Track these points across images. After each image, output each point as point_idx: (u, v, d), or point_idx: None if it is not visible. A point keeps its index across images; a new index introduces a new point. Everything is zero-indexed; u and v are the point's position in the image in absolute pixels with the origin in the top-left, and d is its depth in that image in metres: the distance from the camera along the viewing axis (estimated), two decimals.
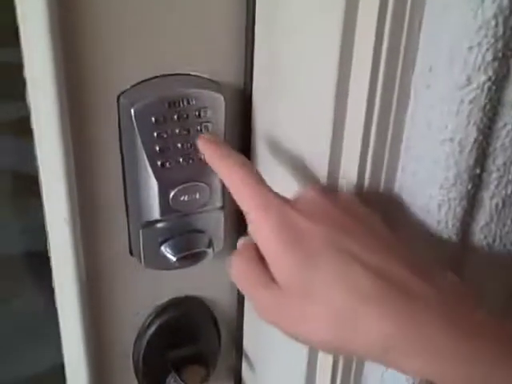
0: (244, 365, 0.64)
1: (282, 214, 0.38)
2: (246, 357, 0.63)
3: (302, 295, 0.36)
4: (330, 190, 0.43)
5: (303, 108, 0.45)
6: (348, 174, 0.43)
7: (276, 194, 0.39)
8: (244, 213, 0.39)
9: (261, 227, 0.38)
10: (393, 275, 0.35)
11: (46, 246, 0.50)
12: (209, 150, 0.44)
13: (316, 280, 0.35)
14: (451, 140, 0.38)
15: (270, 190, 0.39)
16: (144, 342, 0.57)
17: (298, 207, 0.38)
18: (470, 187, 0.40)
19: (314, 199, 0.40)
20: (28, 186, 0.54)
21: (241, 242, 0.41)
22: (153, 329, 0.57)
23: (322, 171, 0.44)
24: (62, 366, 0.56)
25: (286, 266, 0.36)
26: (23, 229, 0.61)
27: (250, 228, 0.39)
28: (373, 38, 0.38)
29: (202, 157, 0.48)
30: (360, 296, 0.34)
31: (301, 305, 0.36)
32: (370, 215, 0.40)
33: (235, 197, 0.40)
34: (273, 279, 0.37)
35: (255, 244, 0.39)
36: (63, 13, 0.42)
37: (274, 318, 0.38)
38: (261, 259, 0.38)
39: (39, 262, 0.53)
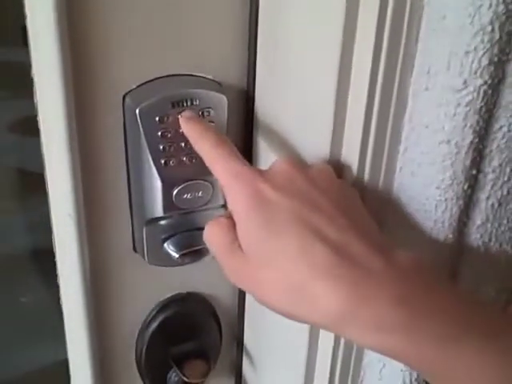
0: (245, 360, 0.65)
1: (251, 182, 0.39)
2: (247, 352, 0.64)
3: (261, 262, 0.38)
4: (302, 162, 0.44)
5: (305, 109, 0.46)
6: (347, 173, 0.44)
7: (248, 165, 0.41)
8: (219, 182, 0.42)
9: (230, 193, 0.40)
10: (351, 251, 0.36)
11: (51, 242, 0.51)
12: (187, 127, 0.46)
13: (276, 250, 0.37)
14: (448, 142, 0.39)
15: (242, 161, 0.41)
16: (146, 337, 0.58)
17: (267, 178, 0.40)
18: (466, 188, 0.41)
19: (285, 171, 0.41)
20: (33, 182, 0.55)
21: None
22: (155, 324, 0.58)
23: None
24: (65, 361, 0.56)
25: (249, 232, 0.39)
26: (28, 225, 0.62)
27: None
28: (372, 42, 0.39)
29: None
30: (315, 269, 0.35)
31: (259, 271, 0.38)
32: (341, 188, 0.41)
33: (210, 167, 0.42)
34: (239, 245, 0.39)
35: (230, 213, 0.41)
36: (70, 13, 0.43)
37: (238, 280, 0.40)
38: (233, 227, 0.40)
39: (44, 258, 0.54)
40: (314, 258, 0.36)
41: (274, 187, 0.39)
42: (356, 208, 0.41)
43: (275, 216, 0.38)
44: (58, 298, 0.53)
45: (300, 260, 0.36)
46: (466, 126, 0.39)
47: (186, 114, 0.47)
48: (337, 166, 0.44)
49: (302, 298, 0.36)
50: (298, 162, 0.42)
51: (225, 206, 0.53)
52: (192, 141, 0.45)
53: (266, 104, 0.51)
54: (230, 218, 0.41)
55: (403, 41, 0.40)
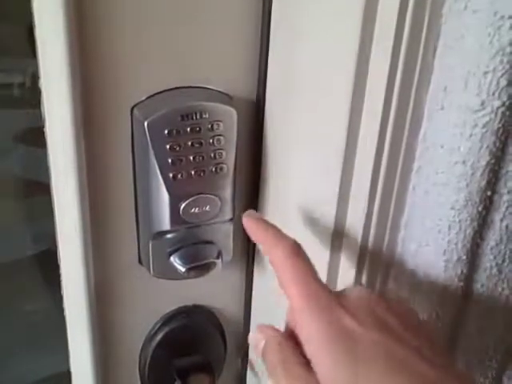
0: (249, 373, 0.64)
1: (327, 309, 0.36)
2: (251, 366, 0.63)
3: None
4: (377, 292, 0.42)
5: (316, 123, 0.46)
6: (359, 190, 0.43)
7: (323, 285, 0.37)
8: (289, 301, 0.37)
9: (304, 320, 0.36)
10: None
11: (55, 250, 0.50)
12: (256, 234, 0.42)
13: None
14: (463, 162, 0.39)
15: (316, 279, 0.37)
16: (150, 349, 0.57)
17: (347, 304, 0.36)
18: (480, 209, 0.40)
19: (365, 298, 0.37)
20: (40, 193, 0.55)
21: (261, 333, 0.39)
22: (159, 337, 0.57)
23: (333, 185, 0.45)
24: (68, 373, 0.56)
25: (333, 372, 0.34)
26: (34, 236, 0.61)
27: (291, 314, 0.38)
28: (389, 58, 0.39)
29: (213, 169, 0.48)
30: None
31: None
32: (424, 327, 0.38)
33: (281, 286, 0.38)
34: (312, 380, 0.35)
35: (279, 332, 0.38)
36: (80, 24, 0.42)
37: None
38: (296, 353, 0.36)
39: (49, 269, 0.53)
40: None
41: (357, 318, 0.35)
42: (433, 337, 0.37)
43: (364, 352, 0.34)
44: (61, 306, 0.53)
45: None
46: (482, 147, 0.38)
47: (250, 215, 0.43)
48: (349, 181, 0.44)
49: None
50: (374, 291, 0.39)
51: (232, 219, 0.53)
52: (265, 245, 0.40)
53: (276, 118, 0.50)
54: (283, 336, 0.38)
55: (420, 57, 0.39)
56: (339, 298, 0.37)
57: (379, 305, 0.37)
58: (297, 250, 0.39)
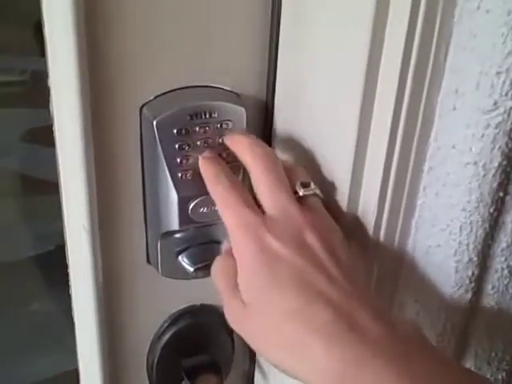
0: (257, 373, 0.64)
1: (257, 233, 0.39)
2: (259, 365, 0.63)
3: (260, 315, 0.38)
4: (314, 207, 0.43)
5: (326, 123, 0.45)
6: (369, 192, 0.43)
7: (257, 213, 0.41)
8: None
9: (236, 242, 0.41)
10: (352, 315, 0.35)
11: (64, 251, 0.50)
12: (203, 167, 0.46)
13: (275, 306, 0.37)
14: (475, 163, 0.38)
15: (252, 208, 0.41)
16: (158, 349, 0.57)
17: (276, 229, 0.39)
18: (492, 210, 0.40)
19: (295, 223, 0.40)
20: (48, 192, 0.55)
21: (225, 243, 0.44)
22: (167, 336, 0.57)
23: (343, 187, 0.44)
24: (76, 372, 0.56)
25: (250, 284, 0.39)
26: (42, 234, 0.61)
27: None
28: (400, 58, 0.38)
29: None
30: (313, 330, 0.35)
31: (256, 323, 0.38)
32: (347, 252, 0.41)
33: (220, 212, 0.43)
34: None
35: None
36: (89, 23, 0.42)
37: (235, 327, 0.41)
38: (235, 270, 0.41)
39: (57, 268, 0.53)
40: (315, 320, 0.35)
41: (281, 240, 0.39)
42: (358, 273, 0.40)
43: (279, 271, 0.38)
44: (69, 306, 0.53)
45: (301, 320, 0.36)
46: (494, 147, 0.38)
47: (206, 154, 0.47)
48: (359, 182, 0.43)
49: (298, 356, 0.36)
50: (309, 215, 0.41)
51: None
52: (206, 182, 0.45)
53: (285, 117, 0.50)
54: (232, 255, 0.41)
55: (432, 57, 0.39)
56: (272, 222, 0.40)
57: (308, 227, 0.40)
58: (238, 183, 0.43)
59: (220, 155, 0.47)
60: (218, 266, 0.43)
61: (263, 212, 0.41)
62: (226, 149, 0.48)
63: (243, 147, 0.44)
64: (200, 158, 0.46)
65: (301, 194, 0.43)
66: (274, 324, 0.37)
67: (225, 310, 0.42)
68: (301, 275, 0.37)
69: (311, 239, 0.39)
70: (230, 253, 0.42)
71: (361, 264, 0.42)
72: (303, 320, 0.36)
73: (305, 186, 0.43)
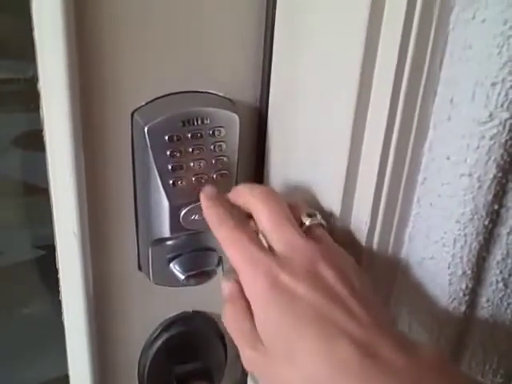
0: (249, 381, 0.63)
1: (269, 269, 0.38)
2: (252, 374, 0.62)
3: (282, 358, 0.36)
4: (321, 237, 0.42)
5: (319, 130, 0.45)
6: (362, 200, 0.42)
7: (266, 250, 0.39)
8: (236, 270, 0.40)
9: (247, 280, 0.39)
10: (374, 348, 0.34)
11: (55, 257, 0.50)
12: (207, 210, 0.44)
13: (299, 347, 0.35)
14: (470, 175, 0.38)
15: (260, 246, 0.39)
16: (150, 356, 0.56)
17: (287, 265, 0.38)
18: (487, 222, 0.39)
19: (307, 258, 0.38)
20: (36, 194, 0.54)
21: (227, 284, 0.42)
22: (159, 343, 0.56)
23: (336, 195, 0.44)
24: (66, 378, 0.55)
25: (268, 324, 0.37)
26: (33, 240, 0.61)
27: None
28: (394, 67, 0.38)
29: (214, 176, 0.48)
30: (340, 369, 0.34)
31: (279, 367, 0.36)
32: (362, 279, 0.39)
33: (225, 252, 0.40)
34: (259, 336, 0.38)
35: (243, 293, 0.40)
36: (79, 28, 0.41)
37: (257, 372, 0.39)
38: (250, 311, 0.39)
39: (48, 273, 0.52)
40: (338, 358, 0.34)
41: (295, 275, 0.37)
42: (374, 299, 0.38)
43: (296, 309, 0.36)
44: (59, 310, 0.52)
45: (323, 359, 0.34)
46: (489, 159, 0.37)
47: (207, 192, 0.45)
48: (352, 190, 0.43)
49: None
50: (318, 246, 0.40)
51: None
52: (210, 223, 0.43)
53: (279, 124, 0.49)
54: (242, 297, 0.40)
55: (426, 67, 0.38)
56: (282, 259, 0.38)
57: (320, 259, 0.38)
58: (244, 222, 0.42)
59: (211, 163, 0.47)
60: (228, 312, 0.41)
61: (271, 251, 0.40)
62: (219, 156, 0.47)
63: (243, 194, 0.43)
64: (202, 198, 0.45)
65: (307, 223, 0.41)
66: (299, 369, 0.35)
67: (243, 357, 0.39)
68: (319, 311, 0.36)
69: (325, 271, 0.38)
70: (238, 295, 0.40)
71: (371, 285, 0.40)
72: (328, 360, 0.34)
73: (310, 215, 0.42)
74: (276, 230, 0.40)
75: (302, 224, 0.42)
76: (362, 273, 0.40)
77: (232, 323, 0.40)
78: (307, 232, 0.41)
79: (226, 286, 0.42)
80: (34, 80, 0.44)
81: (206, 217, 0.44)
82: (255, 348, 0.38)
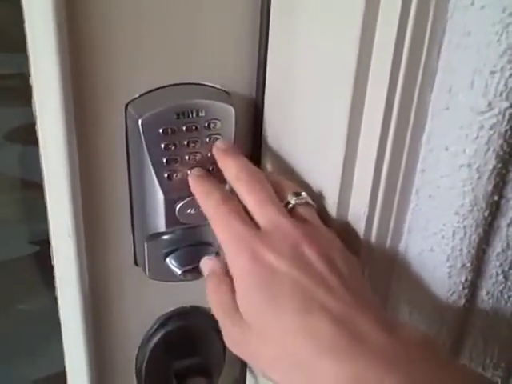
0: (248, 377, 0.63)
1: (250, 244, 0.38)
2: (251, 369, 0.62)
3: (262, 334, 0.36)
4: (307, 217, 0.42)
5: (316, 122, 0.44)
6: (360, 192, 0.42)
7: (250, 225, 0.39)
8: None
9: (229, 254, 0.39)
10: (355, 327, 0.34)
11: (50, 253, 0.49)
12: (194, 184, 0.45)
13: (277, 323, 0.36)
14: (469, 166, 0.37)
15: (244, 220, 0.40)
16: (147, 351, 0.56)
17: (271, 240, 0.38)
18: (486, 214, 0.39)
19: (290, 234, 0.39)
20: (31, 190, 0.53)
21: (210, 262, 0.44)
22: (156, 339, 0.56)
23: (333, 186, 0.43)
24: (63, 374, 0.55)
25: (248, 300, 0.37)
26: (29, 235, 0.60)
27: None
28: (391, 55, 0.37)
29: (210, 169, 0.47)
30: (320, 345, 0.34)
31: (259, 343, 0.37)
32: (346, 259, 0.39)
33: (211, 225, 0.42)
34: (240, 312, 0.38)
35: (226, 270, 0.40)
36: (71, 19, 0.41)
37: (236, 348, 0.39)
38: (231, 288, 0.39)
39: (44, 269, 0.52)
40: (318, 334, 0.34)
41: (276, 252, 0.37)
42: (359, 281, 0.39)
43: (275, 285, 0.36)
44: (56, 308, 0.52)
45: (304, 335, 0.34)
46: (488, 149, 0.36)
47: (195, 171, 0.46)
48: (349, 182, 0.42)
49: (307, 374, 0.34)
50: (302, 225, 0.40)
51: None
52: (197, 199, 0.44)
53: (274, 116, 0.49)
54: (224, 273, 0.41)
55: (424, 55, 0.37)
56: (265, 234, 0.39)
57: (304, 239, 0.38)
58: (230, 196, 0.42)
59: (206, 156, 0.46)
60: (210, 286, 0.42)
61: (258, 227, 0.40)
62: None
63: (229, 173, 0.44)
64: (190, 175, 0.46)
65: (292, 202, 0.42)
66: (280, 345, 0.35)
67: (224, 333, 0.40)
68: (299, 288, 0.36)
69: (308, 251, 0.38)
70: (219, 270, 0.41)
71: (360, 269, 0.40)
72: (305, 335, 0.34)
73: (296, 195, 0.42)
74: (262, 211, 0.40)
75: (287, 204, 0.42)
76: (348, 255, 0.40)
77: (213, 295, 0.41)
78: (292, 211, 0.41)
79: (206, 263, 0.44)
80: (25, 74, 0.43)
81: (192, 190, 0.45)
82: (236, 324, 0.38)
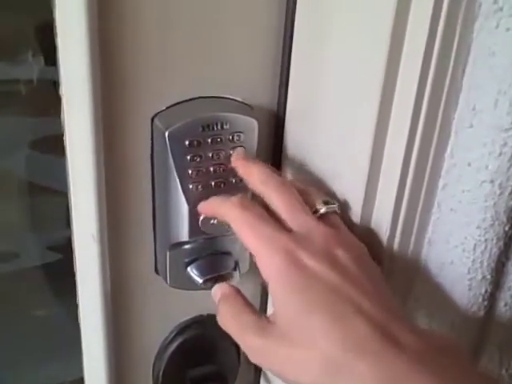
0: (262, 381, 0.63)
1: (284, 246, 0.38)
2: (265, 376, 0.63)
3: (294, 337, 0.36)
4: (335, 224, 0.43)
5: (341, 135, 0.45)
6: (383, 204, 0.43)
7: (279, 229, 0.39)
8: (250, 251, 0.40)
9: (262, 258, 0.38)
10: (391, 330, 0.34)
11: (72, 260, 0.50)
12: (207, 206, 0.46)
13: (312, 324, 0.35)
14: (491, 182, 0.38)
15: (273, 225, 0.39)
16: (165, 359, 0.57)
17: (305, 244, 0.38)
18: (507, 228, 0.40)
19: (323, 239, 0.39)
20: (58, 201, 0.54)
21: (218, 288, 0.43)
22: (174, 346, 0.56)
23: (356, 201, 0.44)
24: (80, 381, 0.55)
25: (288, 308, 0.37)
26: (49, 242, 0.61)
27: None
28: (418, 74, 0.38)
29: (233, 181, 0.48)
30: (355, 345, 0.34)
31: (290, 346, 0.36)
32: (377, 274, 0.40)
33: (237, 233, 0.41)
34: (263, 323, 0.38)
35: (237, 290, 0.41)
36: (102, 33, 0.41)
37: (264, 359, 0.38)
38: (247, 305, 0.40)
39: (64, 276, 0.53)
40: (353, 336, 0.34)
41: (312, 254, 0.37)
42: (387, 291, 0.39)
43: (313, 288, 0.36)
44: (75, 313, 0.52)
45: (339, 337, 0.34)
46: (511, 166, 0.37)
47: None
48: (373, 197, 0.43)
49: (342, 377, 0.34)
50: (333, 229, 0.40)
51: None
52: (218, 209, 0.44)
53: (296, 130, 0.50)
54: (235, 294, 0.41)
55: (449, 74, 0.38)
56: (296, 237, 0.39)
57: (336, 243, 0.39)
58: (251, 203, 0.42)
59: (230, 167, 0.47)
60: (223, 311, 0.41)
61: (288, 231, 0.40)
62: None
63: (256, 185, 0.43)
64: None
65: (323, 211, 0.42)
66: (310, 344, 0.35)
67: (246, 350, 0.39)
68: (335, 290, 0.36)
69: (342, 254, 0.38)
70: (232, 294, 0.41)
71: (383, 278, 0.41)
72: (341, 336, 0.34)
73: (326, 203, 0.43)
74: (291, 213, 0.40)
75: (316, 211, 0.42)
76: (374, 263, 0.41)
77: (231, 320, 0.40)
78: (321, 219, 0.42)
79: (218, 289, 0.43)
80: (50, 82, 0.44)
81: (213, 206, 0.45)
82: (261, 335, 0.37)
